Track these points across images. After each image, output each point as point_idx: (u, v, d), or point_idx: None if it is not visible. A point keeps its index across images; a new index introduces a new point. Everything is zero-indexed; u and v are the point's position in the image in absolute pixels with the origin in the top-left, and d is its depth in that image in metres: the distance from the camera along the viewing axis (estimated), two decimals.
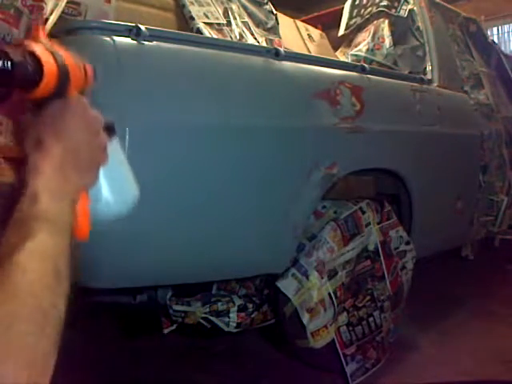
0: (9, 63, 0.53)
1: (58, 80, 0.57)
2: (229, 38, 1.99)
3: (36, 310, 0.45)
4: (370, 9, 2.84)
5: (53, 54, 0.58)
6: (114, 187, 0.70)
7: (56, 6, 1.53)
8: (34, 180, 0.52)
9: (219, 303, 1.68)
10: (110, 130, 0.67)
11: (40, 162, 0.54)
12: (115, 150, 0.69)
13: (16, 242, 0.48)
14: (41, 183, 0.52)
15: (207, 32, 1.91)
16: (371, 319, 1.88)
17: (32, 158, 0.54)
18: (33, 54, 0.56)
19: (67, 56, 0.59)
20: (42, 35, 0.63)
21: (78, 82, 0.60)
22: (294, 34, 2.66)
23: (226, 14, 2.09)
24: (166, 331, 1.72)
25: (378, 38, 2.69)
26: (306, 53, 2.50)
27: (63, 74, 0.57)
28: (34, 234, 0.49)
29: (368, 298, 1.87)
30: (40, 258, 0.48)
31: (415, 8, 2.63)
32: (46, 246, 0.50)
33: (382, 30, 2.70)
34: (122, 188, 0.73)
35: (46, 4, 1.53)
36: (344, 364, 1.77)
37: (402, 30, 2.69)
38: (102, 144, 0.61)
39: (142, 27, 1.30)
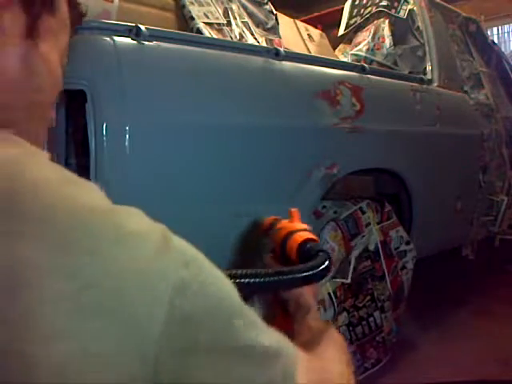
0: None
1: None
2: (229, 38, 1.99)
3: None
4: (369, 9, 2.84)
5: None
6: None
7: None
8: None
9: None
10: None
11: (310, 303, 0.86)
12: None
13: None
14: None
15: (207, 32, 1.91)
16: (371, 319, 1.88)
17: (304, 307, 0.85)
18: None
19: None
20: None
21: None
22: (294, 33, 2.66)
23: (226, 13, 2.08)
24: None
25: (379, 38, 2.69)
26: (306, 53, 2.50)
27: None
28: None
29: (368, 297, 1.87)
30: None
31: (415, 8, 2.63)
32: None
33: (383, 29, 2.70)
34: None
35: None
36: None
37: (402, 30, 2.69)
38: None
39: (142, 27, 1.30)
